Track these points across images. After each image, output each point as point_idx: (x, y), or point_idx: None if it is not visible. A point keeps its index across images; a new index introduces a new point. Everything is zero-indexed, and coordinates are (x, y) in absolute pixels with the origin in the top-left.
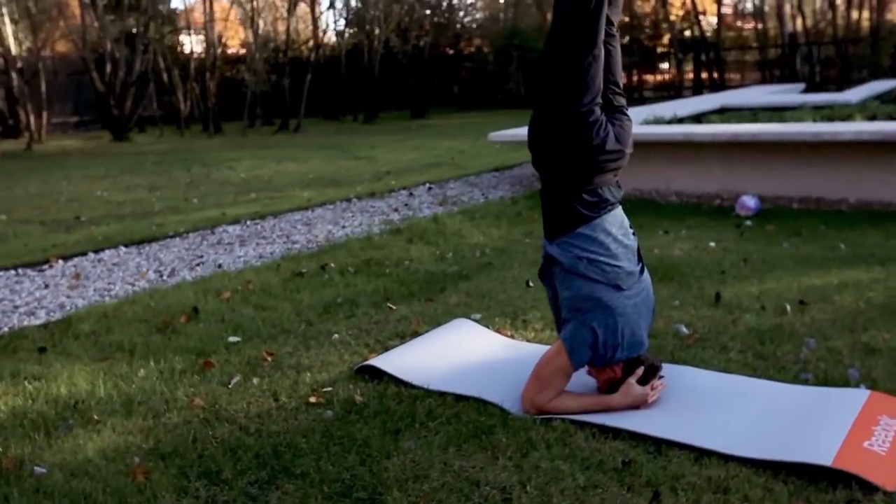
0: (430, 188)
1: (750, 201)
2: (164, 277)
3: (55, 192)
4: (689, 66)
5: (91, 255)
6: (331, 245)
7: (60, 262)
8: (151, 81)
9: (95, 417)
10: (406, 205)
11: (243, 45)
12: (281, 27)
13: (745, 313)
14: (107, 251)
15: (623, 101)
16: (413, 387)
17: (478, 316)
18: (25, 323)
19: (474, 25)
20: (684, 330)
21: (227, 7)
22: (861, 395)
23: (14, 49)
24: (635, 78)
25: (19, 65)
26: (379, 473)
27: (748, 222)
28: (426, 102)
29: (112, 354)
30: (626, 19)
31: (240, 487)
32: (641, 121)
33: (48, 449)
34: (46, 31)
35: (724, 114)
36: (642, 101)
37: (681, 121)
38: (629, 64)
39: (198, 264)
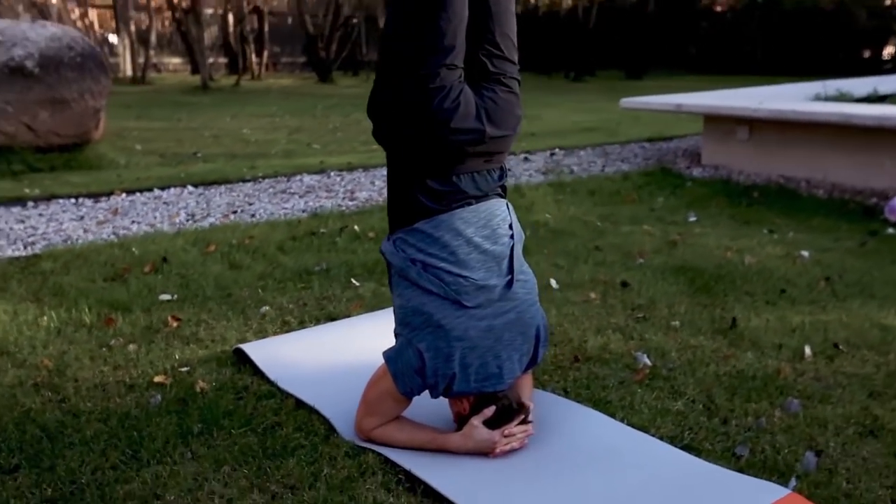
0: (552, 154)
1: None
2: (189, 221)
3: (207, 127)
4: None
5: (156, 192)
6: (384, 205)
7: (123, 195)
8: (361, 26)
9: None
10: (509, 170)
11: None
12: None
13: (749, 350)
14: (172, 189)
15: (508, 69)
16: (267, 381)
17: None
18: (15, 253)
19: None
20: (645, 360)
21: None
22: (774, 493)
23: None
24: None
25: (252, 7)
26: (111, 487)
27: (891, 230)
28: (645, 62)
29: (42, 298)
30: None
31: None
32: (812, 96)
33: None
34: None
35: None
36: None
37: (882, 99)
38: (873, 29)
39: (234, 212)
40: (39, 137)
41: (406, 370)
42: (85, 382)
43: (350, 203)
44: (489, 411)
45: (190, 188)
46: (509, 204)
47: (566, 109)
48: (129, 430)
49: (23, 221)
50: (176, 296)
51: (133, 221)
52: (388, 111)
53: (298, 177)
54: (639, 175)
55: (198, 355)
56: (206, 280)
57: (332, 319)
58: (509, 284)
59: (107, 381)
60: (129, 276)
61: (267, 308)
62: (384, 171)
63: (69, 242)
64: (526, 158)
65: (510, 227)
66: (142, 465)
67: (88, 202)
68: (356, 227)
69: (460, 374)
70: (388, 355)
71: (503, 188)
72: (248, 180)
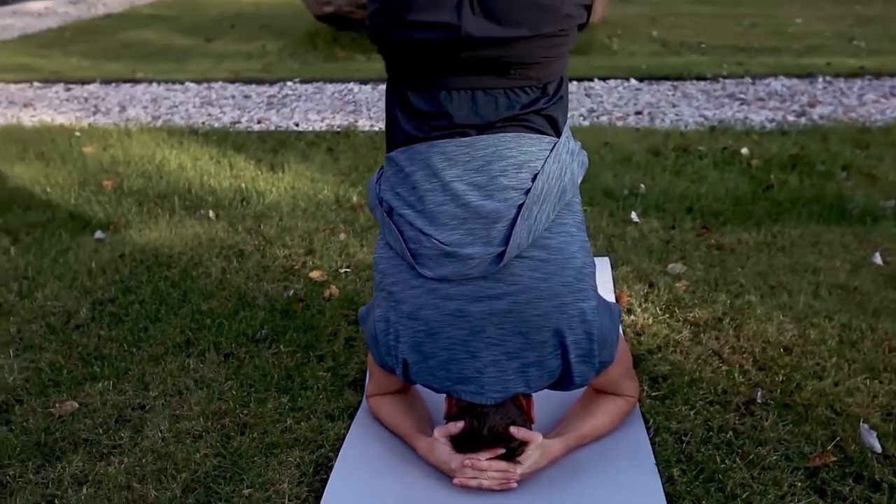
0: None
1: None
2: (576, 120)
3: (758, 14)
4: None
5: (594, 83)
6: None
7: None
8: None
9: (215, 215)
10: None
11: None
12: None
13: None
14: (611, 82)
15: None
16: None
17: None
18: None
19: None
20: (872, 442)
21: None
22: None
23: None
24: None
25: None
26: (134, 356)
27: None
28: None
29: (349, 172)
30: None
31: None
32: None
33: (151, 222)
34: None
35: None
36: None
37: None
38: None
39: (638, 113)
40: None
41: (370, 337)
42: (265, 261)
43: (792, 119)
44: (454, 427)
45: (632, 82)
46: (562, 144)
47: None
48: (221, 317)
49: None
50: None
51: None
52: None
53: (768, 80)
54: None
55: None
56: None
57: None
58: (500, 259)
59: (281, 265)
60: None
61: None
62: (782, 84)
63: None
64: None
65: (533, 178)
66: (184, 351)
67: None
68: (745, 151)
69: (417, 363)
70: (361, 314)
71: (548, 119)
72: (706, 78)
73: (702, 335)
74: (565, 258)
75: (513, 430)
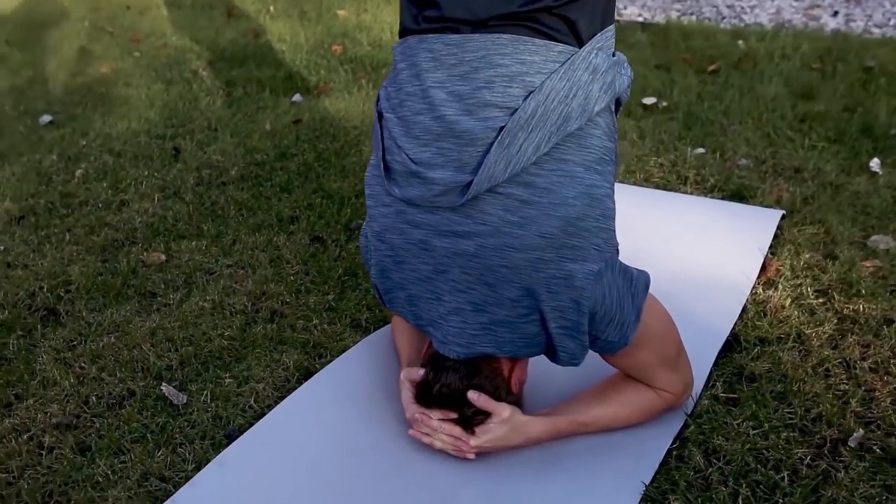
0: None
1: None
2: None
3: None
4: None
5: None
6: None
7: None
8: None
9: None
10: None
11: None
12: None
13: None
14: None
15: None
16: None
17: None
18: (721, 25)
19: None
20: None
21: None
22: None
23: None
24: None
25: None
26: (228, 245)
27: None
28: None
29: None
30: None
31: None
32: None
33: (349, 91)
34: None
35: None
36: None
37: None
38: None
39: None
40: None
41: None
42: None
43: None
44: (416, 373)
45: None
46: (582, 57)
47: None
48: (337, 199)
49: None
50: (664, 103)
51: (860, 16)
52: None
53: None
54: None
55: None
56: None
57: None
58: (467, 189)
59: None
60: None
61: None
62: None
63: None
64: None
65: (528, 96)
66: (282, 228)
67: None
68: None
69: (387, 292)
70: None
71: (565, 21)
72: None
73: (847, 337)
74: (553, 203)
75: (471, 395)
